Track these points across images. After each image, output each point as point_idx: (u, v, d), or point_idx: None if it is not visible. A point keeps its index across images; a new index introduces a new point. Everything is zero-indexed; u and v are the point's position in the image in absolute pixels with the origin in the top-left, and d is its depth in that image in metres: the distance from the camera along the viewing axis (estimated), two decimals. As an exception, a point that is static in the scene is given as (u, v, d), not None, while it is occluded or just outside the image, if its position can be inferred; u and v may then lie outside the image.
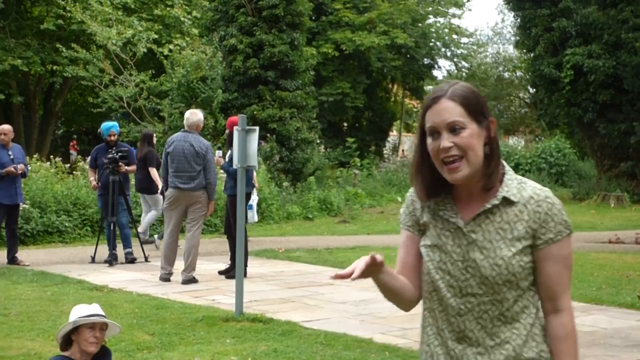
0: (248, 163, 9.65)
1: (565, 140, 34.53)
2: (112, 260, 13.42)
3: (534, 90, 32.44)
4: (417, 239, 2.89)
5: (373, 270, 2.65)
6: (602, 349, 8.06)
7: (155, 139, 16.58)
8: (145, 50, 26.22)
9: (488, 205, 2.72)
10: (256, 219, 15.51)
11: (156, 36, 28.76)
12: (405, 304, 2.89)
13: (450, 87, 2.73)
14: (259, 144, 16.00)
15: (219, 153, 12.80)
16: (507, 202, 2.72)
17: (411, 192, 2.93)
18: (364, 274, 2.58)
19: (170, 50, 26.55)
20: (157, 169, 14.94)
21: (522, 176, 2.83)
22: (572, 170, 33.36)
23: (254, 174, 14.93)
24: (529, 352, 2.73)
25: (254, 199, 14.76)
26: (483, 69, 48.38)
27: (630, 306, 10.20)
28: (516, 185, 2.74)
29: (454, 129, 2.66)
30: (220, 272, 12.46)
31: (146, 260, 13.70)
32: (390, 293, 2.81)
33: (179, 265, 11.94)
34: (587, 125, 28.21)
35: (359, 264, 2.57)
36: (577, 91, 27.77)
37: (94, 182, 13.97)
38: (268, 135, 24.10)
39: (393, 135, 47.27)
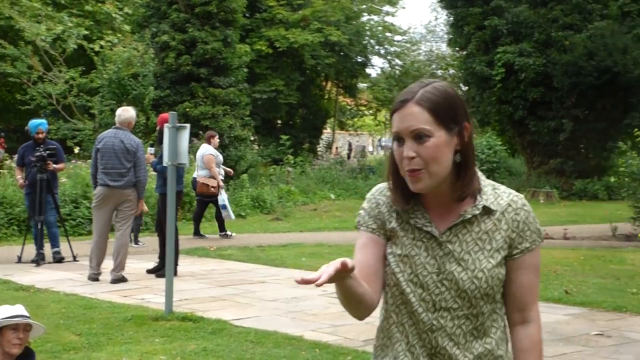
0: (179, 161, 9.57)
1: (497, 137, 34.95)
2: (39, 260, 13.19)
3: (466, 87, 32.78)
4: (382, 242, 2.65)
5: (341, 276, 2.41)
6: (529, 343, 8.15)
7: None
8: (75, 46, 25.90)
9: (468, 215, 2.55)
10: (232, 216, 15.58)
11: (87, 32, 28.44)
12: (363, 311, 2.63)
13: (420, 88, 2.49)
14: (191, 141, 15.89)
15: (150, 150, 12.67)
16: (486, 211, 2.56)
17: (374, 194, 2.71)
18: (331, 279, 2.36)
19: (101, 47, 26.29)
20: None
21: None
22: (503, 167, 33.75)
23: (217, 173, 14.89)
24: None
25: (224, 198, 14.74)
26: (416, 67, 48.71)
27: (558, 301, 10.35)
28: (491, 191, 2.58)
29: (418, 136, 2.44)
30: (149, 271, 12.34)
31: (75, 259, 13.50)
32: (353, 300, 2.56)
33: (108, 264, 11.79)
34: (517, 123, 28.62)
35: (328, 269, 2.33)
36: (508, 89, 28.16)
37: (21, 181, 13.71)
38: (200, 132, 23.97)
39: (327, 132, 47.41)
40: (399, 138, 2.49)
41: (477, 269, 2.53)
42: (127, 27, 30.37)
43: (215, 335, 8.36)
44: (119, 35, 28.89)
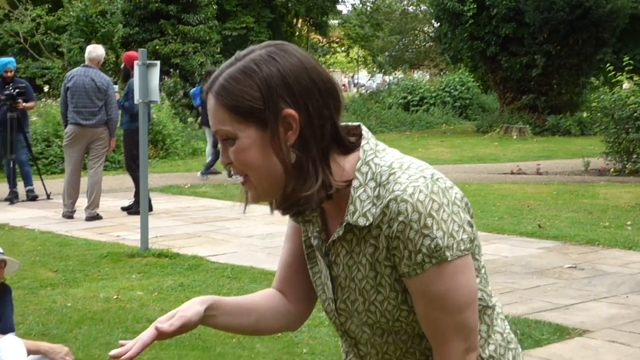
0: (149, 98, 9.49)
1: (469, 74, 34.93)
2: (12, 198, 13.13)
3: (438, 24, 32.60)
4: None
5: (183, 329, 1.93)
6: (503, 276, 8.26)
7: None
8: (41, -17, 25.44)
9: (335, 236, 1.89)
10: None
11: (53, -32, 27.91)
12: (278, 330, 2.16)
13: (221, 73, 1.85)
14: (162, 79, 15.81)
15: (115, 88, 12.59)
16: (353, 228, 1.85)
17: None
18: (161, 339, 1.94)
19: (67, -17, 25.81)
20: None
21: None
22: (475, 104, 33.84)
23: None
24: None
25: None
26: (387, 3, 48.37)
27: (531, 235, 10.46)
28: (371, 194, 1.81)
29: (225, 139, 1.83)
30: (123, 209, 12.31)
31: (48, 197, 13.43)
32: (243, 332, 2.12)
33: (82, 202, 11.75)
34: (489, 59, 28.57)
35: (143, 336, 1.90)
36: (480, 25, 28.04)
37: (-9, 119, 13.58)
38: (171, 70, 23.76)
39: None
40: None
41: (367, 302, 1.89)
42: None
43: (192, 271, 8.38)
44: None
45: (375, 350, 1.96)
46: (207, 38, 25.82)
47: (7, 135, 13.12)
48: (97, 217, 11.56)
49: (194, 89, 18.10)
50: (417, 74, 47.60)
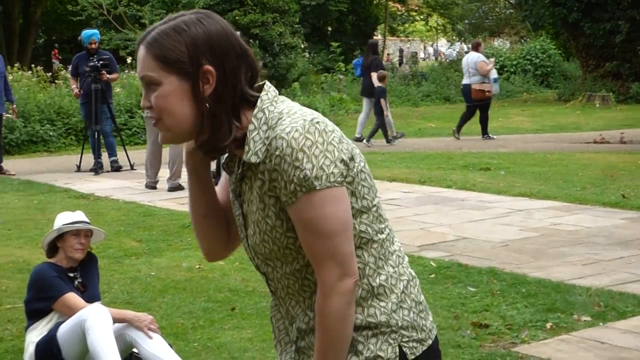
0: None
1: (551, 41, 34.31)
2: (97, 169, 13.40)
3: (519, -10, 32.06)
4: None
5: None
6: (586, 247, 8.14)
7: (379, 48, 18.83)
8: (124, -45, 25.74)
9: (235, 175, 2.20)
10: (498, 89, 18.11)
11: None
12: (205, 236, 2.37)
13: (155, 28, 2.14)
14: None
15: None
16: (252, 166, 2.12)
17: None
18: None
19: (149, -45, 26.07)
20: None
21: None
22: (557, 72, 33.23)
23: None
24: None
25: (494, 72, 17.36)
26: (467, -30, 47.69)
27: (614, 205, 10.28)
28: (262, 136, 2.09)
29: (148, 85, 2.12)
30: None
31: (132, 168, 13.68)
32: (197, 208, 2.33)
33: (165, 173, 11.93)
34: (572, 25, 27.98)
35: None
36: (562, -10, 27.49)
37: (76, 90, 13.86)
38: (251, 40, 23.84)
39: (377, 38, 46.92)
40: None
41: (261, 231, 2.15)
42: None
43: (272, 241, 8.45)
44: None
45: (281, 285, 2.22)
46: (286, 8, 25.79)
47: (91, 107, 13.36)
48: (179, 188, 11.72)
49: (356, 59, 20.52)
50: (497, 42, 46.97)
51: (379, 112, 16.93)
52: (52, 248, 5.20)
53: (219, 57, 2.09)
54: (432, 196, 11.07)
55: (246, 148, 2.10)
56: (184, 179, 11.99)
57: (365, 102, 18.11)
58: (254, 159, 2.08)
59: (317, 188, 2.02)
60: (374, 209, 2.18)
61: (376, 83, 17.07)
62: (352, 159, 2.11)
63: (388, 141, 17.30)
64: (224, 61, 2.10)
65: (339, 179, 2.05)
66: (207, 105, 2.09)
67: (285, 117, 2.07)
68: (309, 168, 2.01)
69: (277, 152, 2.03)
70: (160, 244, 8.42)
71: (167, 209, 10.34)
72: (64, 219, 5.20)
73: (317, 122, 2.07)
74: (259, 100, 2.13)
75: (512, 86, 30.91)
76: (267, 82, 2.19)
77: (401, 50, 60.15)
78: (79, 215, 5.27)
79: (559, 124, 20.78)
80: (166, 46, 2.08)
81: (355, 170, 2.11)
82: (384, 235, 2.20)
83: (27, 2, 37.45)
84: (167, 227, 9.21)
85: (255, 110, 2.12)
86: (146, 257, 7.95)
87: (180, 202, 10.82)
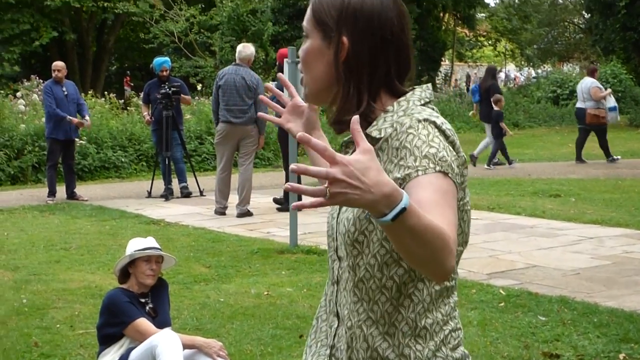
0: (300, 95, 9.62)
1: (622, 66, 33.82)
2: (168, 195, 13.56)
3: (589, 15, 31.80)
4: None
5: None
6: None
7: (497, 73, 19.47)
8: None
9: (346, 145, 2.17)
10: (618, 117, 18.71)
11: (205, -31, 28.64)
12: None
13: None
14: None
15: (274, 84, 12.78)
16: (371, 140, 2.03)
17: None
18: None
19: (219, -16, 26.43)
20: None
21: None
22: (628, 97, 32.70)
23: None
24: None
25: (611, 101, 17.93)
26: (536, -5, 47.36)
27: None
28: (395, 119, 2.05)
29: (306, 35, 2.17)
30: (275, 200, 12.48)
31: (201, 194, 13.83)
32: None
33: (234, 199, 12.04)
34: (644, 50, 27.65)
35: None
36: (633, 15, 27.20)
37: (147, 117, 14.09)
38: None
39: (445, 64, 46.77)
40: None
41: (348, 210, 2.11)
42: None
43: (340, 268, 8.45)
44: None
45: (347, 275, 2.14)
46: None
47: (162, 133, 13.56)
48: (247, 214, 11.82)
49: (473, 85, 20.41)
50: (566, 67, 46.47)
51: (497, 135, 17.38)
52: (124, 274, 5.28)
53: (360, 32, 2.08)
54: (501, 223, 10.99)
55: (374, 124, 2.07)
56: (252, 204, 12.09)
57: (487, 127, 18.32)
58: (375, 134, 2.04)
59: (449, 175, 1.91)
60: (460, 248, 2.11)
61: (494, 107, 17.41)
62: (463, 189, 2.06)
63: (494, 164, 17.69)
64: (364, 37, 2.08)
65: (459, 181, 1.97)
66: (340, 72, 2.08)
67: (425, 112, 2.04)
68: (444, 154, 1.92)
69: (410, 131, 1.97)
70: (229, 270, 8.49)
71: (236, 235, 10.42)
72: (135, 245, 5.28)
73: (453, 142, 2.01)
74: (409, 92, 2.11)
75: (582, 112, 30.48)
76: (429, 85, 2.17)
77: (468, 76, 59.86)
78: (150, 242, 5.35)
79: (630, 150, 20.46)
80: (323, 5, 2.12)
81: (461, 202, 2.05)
82: (451, 283, 2.11)
83: (100, 30, 38.23)
84: (235, 253, 9.28)
85: (401, 98, 2.10)
86: (215, 283, 8.02)
87: (249, 228, 10.91)
